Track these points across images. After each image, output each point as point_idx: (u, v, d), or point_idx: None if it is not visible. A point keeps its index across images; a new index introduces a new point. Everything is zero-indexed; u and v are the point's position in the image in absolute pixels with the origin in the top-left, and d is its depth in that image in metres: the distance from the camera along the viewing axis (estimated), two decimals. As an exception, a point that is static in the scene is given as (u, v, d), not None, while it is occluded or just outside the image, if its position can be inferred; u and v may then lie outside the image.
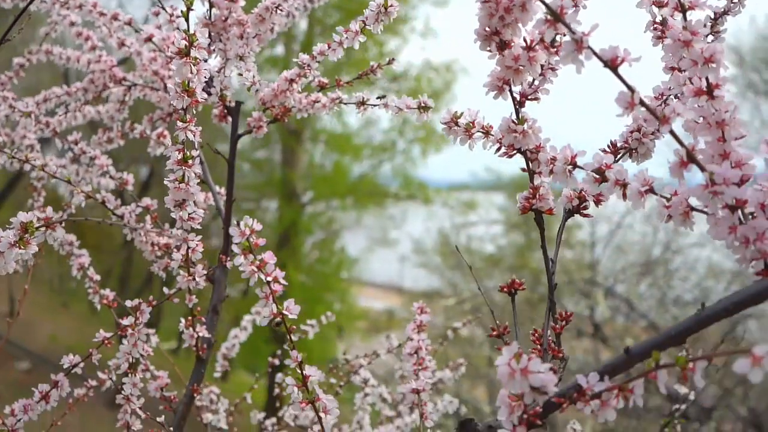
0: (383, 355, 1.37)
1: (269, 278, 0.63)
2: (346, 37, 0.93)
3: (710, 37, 0.73)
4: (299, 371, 0.66)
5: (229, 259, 0.98)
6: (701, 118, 0.56)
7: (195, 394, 1.00)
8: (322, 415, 0.65)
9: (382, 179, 12.09)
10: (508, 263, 9.86)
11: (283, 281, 0.64)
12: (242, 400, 1.43)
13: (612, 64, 0.52)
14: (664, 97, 0.70)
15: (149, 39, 1.05)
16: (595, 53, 0.51)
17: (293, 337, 0.67)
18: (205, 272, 0.92)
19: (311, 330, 1.39)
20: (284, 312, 0.64)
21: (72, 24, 1.20)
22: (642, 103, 0.51)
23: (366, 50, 11.23)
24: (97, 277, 1.11)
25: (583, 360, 7.08)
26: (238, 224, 0.61)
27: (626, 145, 0.69)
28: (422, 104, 0.86)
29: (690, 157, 0.52)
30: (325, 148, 12.12)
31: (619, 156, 0.70)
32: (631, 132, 0.69)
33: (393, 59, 1.03)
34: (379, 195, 12.01)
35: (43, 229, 0.66)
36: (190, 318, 0.97)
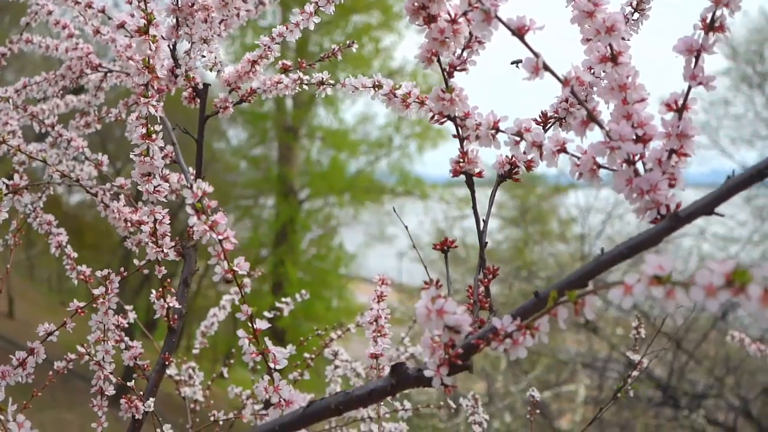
0: (353, 328, 1.43)
1: (221, 237, 0.68)
2: (303, 19, 0.98)
3: (636, 15, 0.78)
4: (250, 325, 0.71)
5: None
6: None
7: (167, 362, 1.06)
8: (271, 365, 0.71)
9: (378, 175, 12.15)
10: (504, 257, 9.92)
11: (234, 240, 0.69)
12: (219, 376, 1.49)
13: (519, 32, 0.57)
14: (591, 70, 0.75)
15: (122, 26, 1.09)
16: (503, 22, 0.56)
17: (245, 290, 0.72)
18: (173, 244, 0.97)
19: (286, 308, 1.45)
20: (235, 268, 0.69)
21: (50, 13, 1.25)
22: (545, 67, 0.56)
23: (362, 47, 11.29)
24: (75, 255, 1.16)
25: (576, 351, 7.15)
26: (191, 187, 0.66)
27: (556, 115, 0.74)
28: (376, 83, 0.91)
29: (591, 117, 0.57)
30: (321, 145, 12.18)
31: (549, 125, 0.75)
32: (560, 102, 0.74)
33: (353, 42, 1.08)
34: (376, 191, 12.07)
35: (11, 195, 0.71)
36: (161, 289, 1.02)
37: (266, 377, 0.71)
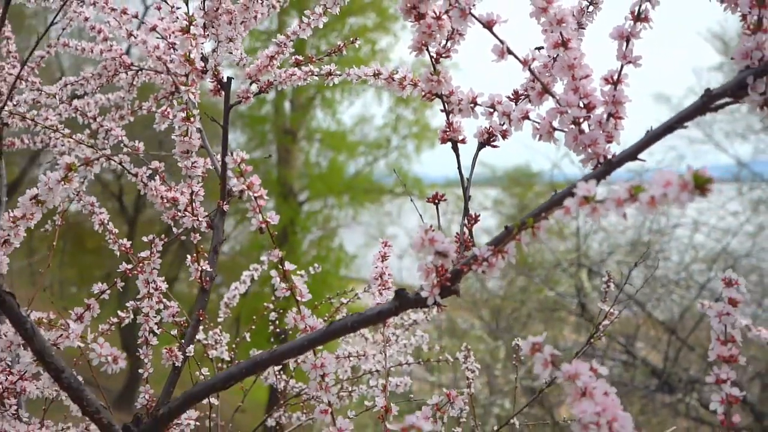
0: (361, 294, 1.59)
1: (256, 194, 0.85)
2: (313, 19, 1.15)
3: (590, 8, 0.94)
4: (281, 267, 0.87)
5: (226, 203, 1.20)
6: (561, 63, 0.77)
7: (201, 319, 1.22)
8: (298, 298, 0.87)
9: (377, 176, 12.31)
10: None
11: (266, 197, 0.85)
12: (242, 340, 1.65)
13: (489, 25, 0.73)
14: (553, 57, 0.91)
15: (153, 29, 1.26)
16: (475, 17, 0.73)
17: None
18: (206, 214, 1.13)
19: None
20: (268, 219, 0.86)
21: (86, 19, 1.42)
22: (509, 51, 0.73)
23: (358, 49, 11.48)
24: (116, 231, 1.33)
25: (574, 340, 7.32)
26: (232, 153, 0.83)
27: (525, 93, 0.91)
28: (376, 72, 1.08)
29: (545, 89, 0.74)
30: (320, 147, 12.34)
31: (520, 101, 0.91)
32: (528, 82, 0.91)
33: (356, 38, 1.25)
34: (375, 192, 12.22)
35: (83, 166, 0.88)
36: (195, 255, 1.19)
37: (294, 309, 0.88)
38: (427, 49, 0.83)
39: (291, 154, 11.70)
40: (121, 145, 1.33)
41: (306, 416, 1.57)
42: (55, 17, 1.09)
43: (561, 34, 0.75)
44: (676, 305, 7.34)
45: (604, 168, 0.70)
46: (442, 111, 0.87)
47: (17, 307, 0.80)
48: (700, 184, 0.50)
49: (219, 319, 1.63)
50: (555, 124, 0.76)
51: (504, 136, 0.90)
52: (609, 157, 0.73)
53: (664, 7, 0.92)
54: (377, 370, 1.40)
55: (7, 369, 1.15)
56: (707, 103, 0.67)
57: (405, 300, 0.80)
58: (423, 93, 0.86)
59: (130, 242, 1.27)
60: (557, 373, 0.62)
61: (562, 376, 0.62)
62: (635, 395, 6.53)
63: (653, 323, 7.26)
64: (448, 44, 0.85)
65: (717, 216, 8.58)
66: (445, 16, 0.80)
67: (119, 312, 1.35)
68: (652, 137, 0.69)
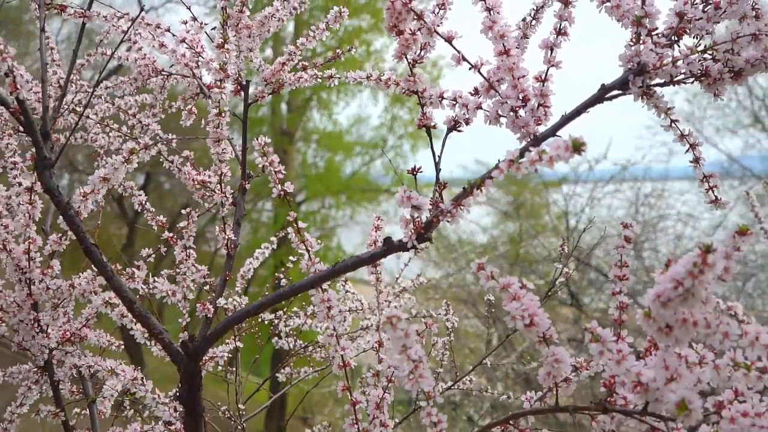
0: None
1: (276, 169, 1.11)
2: (318, 32, 1.42)
3: (533, 21, 1.21)
4: (295, 225, 1.14)
5: (247, 183, 1.46)
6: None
7: (227, 279, 1.48)
8: (310, 248, 1.14)
9: (374, 175, 12.56)
10: (501, 251, 10.32)
11: (283, 171, 1.12)
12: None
13: (449, 39, 1.00)
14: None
15: (183, 40, 1.52)
16: (438, 34, 0.99)
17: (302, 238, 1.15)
18: (232, 191, 1.40)
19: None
20: (285, 188, 1.12)
21: (124, 32, 1.68)
22: (464, 58, 0.99)
23: (354, 50, 11.75)
24: (153, 210, 1.59)
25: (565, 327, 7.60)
26: (257, 138, 1.09)
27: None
28: (369, 75, 1.34)
29: (490, 86, 1.01)
30: (317, 147, 12.61)
31: (480, 96, 1.17)
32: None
33: (351, 47, 1.51)
34: (372, 191, 12.48)
35: (143, 150, 1.14)
36: (222, 225, 1.45)
37: (306, 256, 1.14)
38: (406, 57, 1.09)
39: (288, 155, 11.95)
40: (157, 137, 1.59)
41: (312, 369, 1.83)
42: (124, 36, 1.35)
43: (503, 44, 1.02)
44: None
45: (532, 142, 0.96)
46: (417, 103, 1.14)
47: (100, 254, 1.06)
48: (576, 147, 0.76)
49: (236, 289, 1.89)
50: (500, 112, 1.03)
51: (467, 123, 1.16)
52: (537, 135, 0.99)
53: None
54: (374, 326, 1.66)
55: (69, 319, 1.41)
56: (603, 93, 0.94)
57: (391, 245, 1.06)
58: (403, 90, 1.12)
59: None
60: (494, 284, 0.88)
61: (499, 287, 0.88)
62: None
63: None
64: (422, 53, 1.11)
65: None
66: (418, 32, 1.06)
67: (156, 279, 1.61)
68: (565, 120, 0.95)
